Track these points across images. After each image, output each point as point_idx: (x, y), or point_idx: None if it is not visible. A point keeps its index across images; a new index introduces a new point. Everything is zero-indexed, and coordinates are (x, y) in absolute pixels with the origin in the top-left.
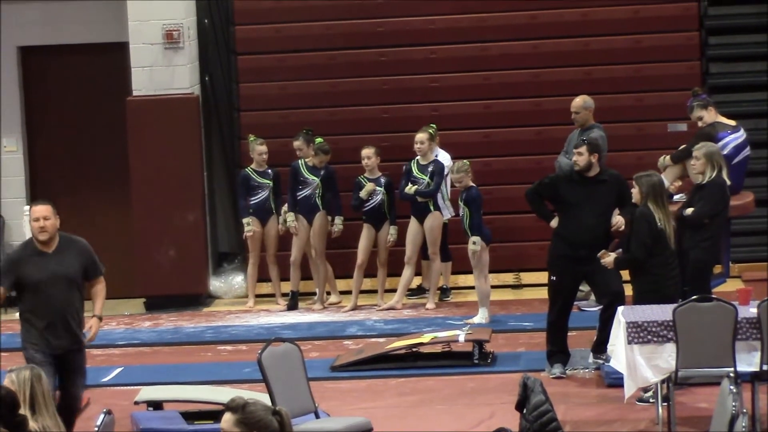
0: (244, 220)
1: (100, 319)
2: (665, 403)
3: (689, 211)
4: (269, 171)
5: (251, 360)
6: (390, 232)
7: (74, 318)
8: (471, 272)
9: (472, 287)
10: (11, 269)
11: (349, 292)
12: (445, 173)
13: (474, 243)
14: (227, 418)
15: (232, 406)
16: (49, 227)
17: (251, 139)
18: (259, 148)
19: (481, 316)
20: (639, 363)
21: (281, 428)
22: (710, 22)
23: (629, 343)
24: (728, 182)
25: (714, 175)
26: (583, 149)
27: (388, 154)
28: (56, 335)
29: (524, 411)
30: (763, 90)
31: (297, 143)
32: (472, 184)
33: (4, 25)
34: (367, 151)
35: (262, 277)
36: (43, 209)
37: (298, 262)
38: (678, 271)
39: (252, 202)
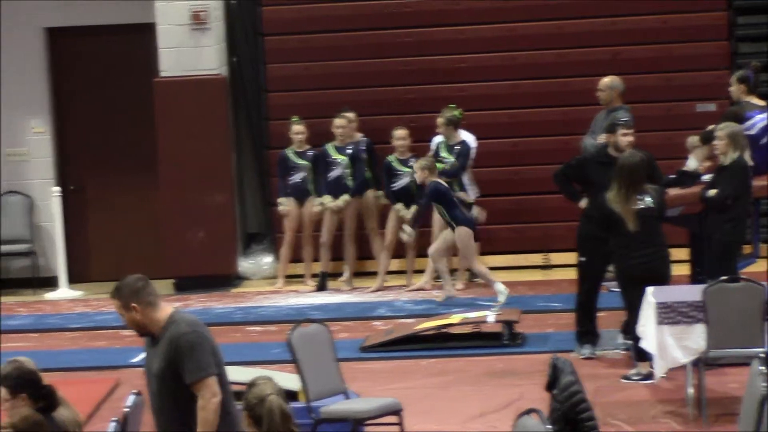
0: (279, 200)
1: None
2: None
3: (712, 192)
4: (309, 152)
5: (280, 341)
6: (411, 210)
7: (169, 429)
8: (499, 253)
9: (501, 267)
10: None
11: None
12: (472, 155)
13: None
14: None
15: None
16: (129, 323)
17: (292, 119)
18: (294, 128)
19: (500, 292)
20: (669, 344)
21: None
22: (739, 2)
23: (659, 323)
24: (751, 163)
25: (736, 156)
26: (630, 130)
27: (413, 134)
28: None
29: (554, 392)
30: None
31: (341, 121)
32: (434, 179)
33: (30, 7)
34: (402, 132)
35: (293, 257)
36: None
37: (329, 243)
38: (647, 254)
39: (290, 183)
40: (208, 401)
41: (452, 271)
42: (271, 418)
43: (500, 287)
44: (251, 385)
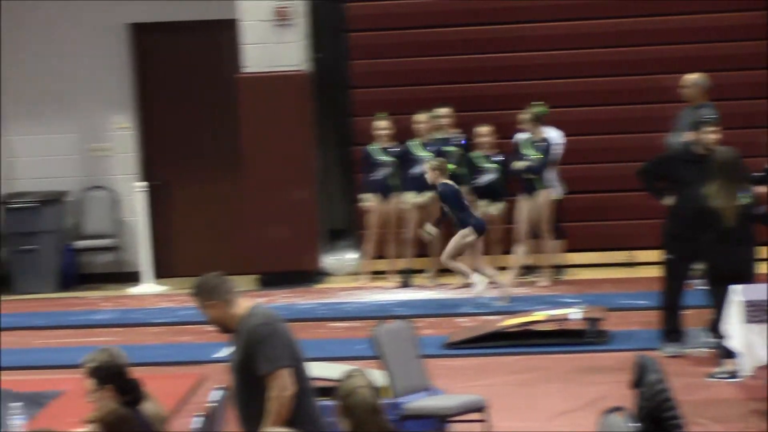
0: (363, 196)
1: None
2: None
3: None
4: (393, 148)
5: (364, 337)
6: (497, 207)
7: (250, 423)
8: (584, 250)
9: (585, 265)
10: None
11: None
12: (558, 150)
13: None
14: None
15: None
16: (209, 320)
17: (377, 115)
18: (377, 124)
19: (477, 283)
20: (756, 342)
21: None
22: None
23: (746, 322)
24: None
25: None
26: (717, 128)
27: (499, 131)
28: None
29: (639, 390)
30: None
31: (423, 117)
32: (444, 180)
33: (114, 3)
34: (486, 129)
35: (376, 253)
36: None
37: (413, 239)
38: (740, 251)
39: (374, 179)
40: (279, 393)
41: (534, 269)
42: (360, 410)
43: (477, 278)
44: (344, 378)
